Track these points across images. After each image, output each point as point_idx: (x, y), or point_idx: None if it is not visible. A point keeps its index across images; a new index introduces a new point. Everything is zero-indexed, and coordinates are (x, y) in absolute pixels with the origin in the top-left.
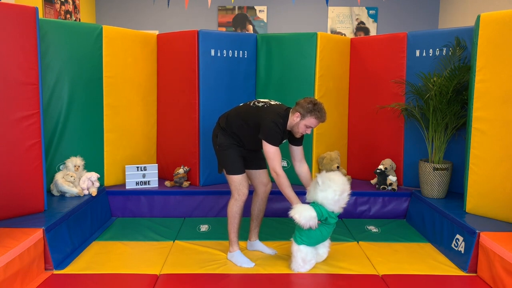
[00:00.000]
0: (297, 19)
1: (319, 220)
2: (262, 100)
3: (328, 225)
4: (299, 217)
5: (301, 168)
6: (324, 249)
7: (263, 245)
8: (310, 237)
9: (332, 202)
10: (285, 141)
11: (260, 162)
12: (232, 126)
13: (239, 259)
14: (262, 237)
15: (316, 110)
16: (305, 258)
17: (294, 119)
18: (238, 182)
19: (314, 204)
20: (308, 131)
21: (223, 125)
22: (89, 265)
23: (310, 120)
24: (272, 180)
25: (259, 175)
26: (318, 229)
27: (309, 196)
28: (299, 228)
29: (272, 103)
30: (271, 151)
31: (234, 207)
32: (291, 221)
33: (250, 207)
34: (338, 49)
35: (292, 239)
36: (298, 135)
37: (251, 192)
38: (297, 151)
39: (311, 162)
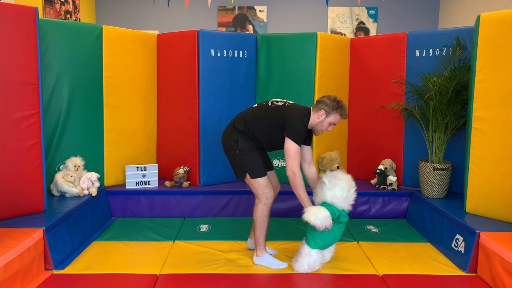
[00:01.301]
0: (297, 19)
1: (332, 219)
2: (279, 100)
3: (340, 224)
4: (314, 219)
5: (310, 170)
6: (329, 254)
7: None
8: (324, 239)
9: (342, 200)
10: None
11: (270, 163)
12: (251, 128)
13: (271, 261)
14: None
15: (340, 107)
16: (312, 265)
17: (318, 116)
18: (264, 185)
19: (325, 204)
20: (330, 129)
21: (242, 128)
22: (89, 265)
23: (336, 117)
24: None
25: (270, 176)
26: (331, 230)
27: (317, 198)
28: (312, 231)
29: (291, 102)
30: (293, 150)
31: (264, 212)
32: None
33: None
34: (338, 49)
35: (304, 241)
36: (318, 134)
37: None
38: (308, 151)
39: None
